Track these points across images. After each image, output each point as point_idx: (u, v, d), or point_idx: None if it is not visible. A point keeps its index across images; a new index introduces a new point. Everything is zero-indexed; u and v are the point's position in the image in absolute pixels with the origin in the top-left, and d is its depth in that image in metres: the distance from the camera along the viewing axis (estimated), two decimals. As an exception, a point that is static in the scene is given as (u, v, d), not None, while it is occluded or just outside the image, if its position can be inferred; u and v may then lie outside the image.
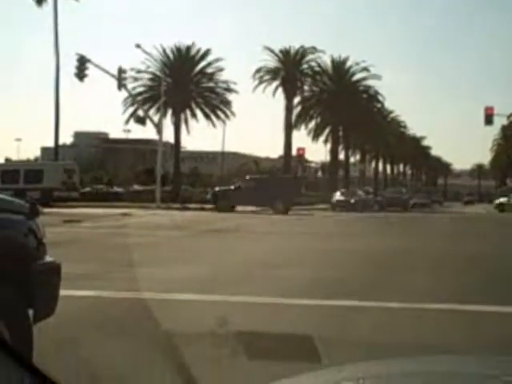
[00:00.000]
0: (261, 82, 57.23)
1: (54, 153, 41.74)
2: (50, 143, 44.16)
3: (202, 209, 33.52)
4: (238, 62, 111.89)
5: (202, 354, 4.27)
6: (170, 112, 49.47)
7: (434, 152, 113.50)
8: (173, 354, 4.14)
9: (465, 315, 6.06)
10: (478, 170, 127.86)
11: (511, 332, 5.36)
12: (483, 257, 11.37)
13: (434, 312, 6.16)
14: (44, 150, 70.23)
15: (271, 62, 57.49)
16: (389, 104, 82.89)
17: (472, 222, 26.80)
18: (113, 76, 37.41)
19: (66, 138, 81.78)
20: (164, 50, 51.72)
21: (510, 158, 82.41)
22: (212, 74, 53.47)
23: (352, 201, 39.96)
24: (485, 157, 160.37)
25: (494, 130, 77.98)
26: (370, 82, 60.35)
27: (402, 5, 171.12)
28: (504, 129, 55.94)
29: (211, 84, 53.75)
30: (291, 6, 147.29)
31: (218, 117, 52.80)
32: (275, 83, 56.83)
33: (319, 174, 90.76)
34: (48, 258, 4.26)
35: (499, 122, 65.69)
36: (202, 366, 3.95)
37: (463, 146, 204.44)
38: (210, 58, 52.65)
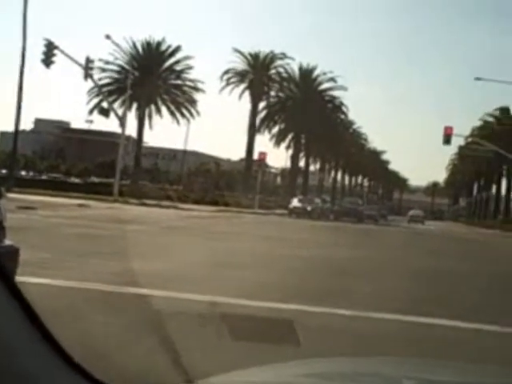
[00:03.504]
0: (228, 84, 57.53)
1: (13, 138, 41.14)
2: (10, 128, 43.53)
3: (160, 205, 33.53)
4: (206, 62, 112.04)
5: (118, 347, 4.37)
6: (134, 106, 49.38)
7: (393, 167, 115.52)
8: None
9: (409, 325, 6.19)
10: (433, 188, 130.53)
11: (452, 341, 5.57)
12: (433, 270, 11.70)
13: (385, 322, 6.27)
14: (2, 134, 69.01)
15: (240, 65, 57.84)
16: (354, 116, 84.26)
17: (421, 238, 27.49)
18: (80, 65, 37.18)
19: (27, 125, 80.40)
20: (134, 44, 51.63)
21: (465, 178, 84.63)
22: (180, 72, 53.50)
23: (309, 208, 40.40)
24: (441, 175, 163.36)
25: (452, 150, 79.73)
26: (335, 93, 61.21)
27: (376, 18, 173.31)
28: (460, 149, 57.21)
29: (179, 81, 53.76)
30: (266, 11, 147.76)
31: (182, 115, 52.85)
32: (242, 86, 57.21)
33: (279, 179, 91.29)
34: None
35: (457, 142, 67.34)
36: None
37: (421, 163, 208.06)
38: (179, 55, 52.74)
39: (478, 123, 69.92)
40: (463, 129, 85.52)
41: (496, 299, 8.63)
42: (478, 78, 48.79)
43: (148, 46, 52.44)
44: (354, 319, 6.21)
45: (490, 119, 68.39)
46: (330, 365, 2.09)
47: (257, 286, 8.03)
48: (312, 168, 70.53)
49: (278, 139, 59.52)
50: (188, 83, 53.43)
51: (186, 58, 52.75)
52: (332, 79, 59.73)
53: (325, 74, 59.87)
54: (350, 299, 7.48)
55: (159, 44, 52.50)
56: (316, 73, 60.27)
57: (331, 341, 5.22)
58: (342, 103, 62.02)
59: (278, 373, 1.76)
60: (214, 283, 7.96)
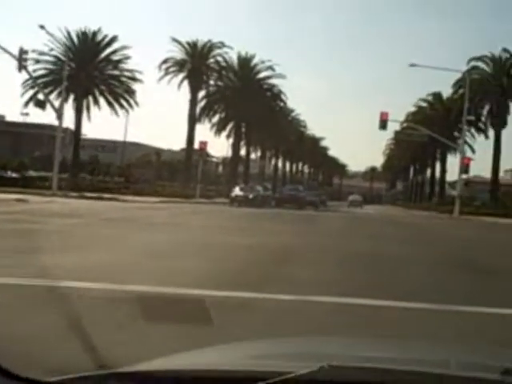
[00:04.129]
0: (166, 74, 57.20)
1: None
2: None
3: (100, 198, 33.29)
4: (144, 51, 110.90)
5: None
6: (71, 98, 48.60)
7: (332, 153, 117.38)
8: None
9: (346, 307, 6.36)
10: (371, 173, 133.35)
11: (383, 321, 5.82)
12: (370, 254, 11.98)
13: (318, 304, 6.42)
14: None
15: (178, 54, 57.57)
16: (293, 105, 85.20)
17: (359, 222, 28.21)
18: (13, 56, 36.35)
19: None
20: (69, 34, 50.69)
21: (401, 163, 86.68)
22: (117, 62, 52.85)
23: (250, 196, 40.78)
24: (379, 160, 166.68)
25: (389, 135, 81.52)
26: (274, 81, 61.68)
27: (321, 10, 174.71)
28: (396, 134, 58.63)
29: (116, 72, 53.12)
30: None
31: (121, 105, 52.29)
32: (181, 75, 56.99)
33: (220, 168, 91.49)
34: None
35: (393, 127, 68.94)
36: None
37: (359, 149, 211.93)
38: (116, 45, 52.08)
39: (413, 109, 71.89)
40: (399, 114, 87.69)
41: (430, 280, 9.02)
42: (412, 65, 50.02)
43: (84, 36, 51.59)
44: (291, 303, 6.38)
45: (424, 104, 70.29)
46: (264, 345, 2.14)
47: (190, 274, 8.03)
48: (253, 156, 71.10)
49: (219, 128, 59.67)
50: (126, 73, 52.89)
51: (123, 47, 52.19)
52: (270, 67, 60.21)
53: (263, 62, 60.30)
54: (289, 285, 7.60)
55: (95, 34, 51.72)
56: (254, 61, 60.61)
57: (258, 322, 5.39)
58: (280, 91, 62.59)
59: (209, 356, 1.77)
60: (145, 273, 7.95)
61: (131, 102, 52.62)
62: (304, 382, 1.35)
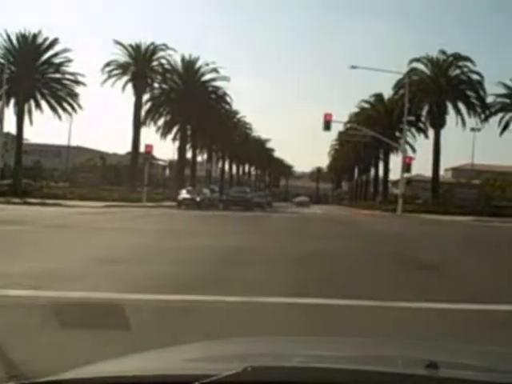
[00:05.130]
0: (110, 77, 56.63)
1: None
2: None
3: (44, 204, 32.82)
4: (88, 54, 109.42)
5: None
6: (12, 102, 47.67)
7: (278, 154, 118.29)
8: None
9: (299, 307, 6.45)
10: (317, 173, 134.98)
11: (329, 319, 5.99)
12: (317, 254, 12.17)
13: (272, 305, 6.50)
14: None
15: (122, 57, 57.11)
16: (239, 107, 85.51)
17: (306, 222, 28.68)
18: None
19: None
20: (8, 36, 49.69)
21: (346, 163, 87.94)
22: (59, 65, 52.06)
23: (197, 199, 40.83)
24: (324, 161, 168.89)
25: (333, 136, 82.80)
26: (219, 83, 61.83)
27: (264, 11, 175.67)
28: (340, 135, 59.65)
29: (58, 75, 52.32)
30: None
31: (64, 109, 51.55)
32: (125, 78, 56.55)
33: (167, 171, 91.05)
34: None
35: (338, 128, 70.09)
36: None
37: (305, 150, 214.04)
38: (57, 48, 51.32)
39: (356, 110, 73.19)
40: (343, 115, 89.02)
41: (373, 277, 9.31)
42: (353, 67, 51.03)
43: (23, 38, 50.59)
44: (237, 304, 6.43)
45: (367, 105, 71.65)
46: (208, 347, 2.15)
47: (134, 279, 7.98)
48: (200, 159, 71.06)
49: (164, 131, 59.42)
50: (68, 76, 52.18)
51: (65, 50, 51.46)
52: (215, 70, 60.33)
53: (207, 64, 60.35)
54: (235, 286, 7.64)
55: (35, 37, 50.80)
56: (199, 64, 60.64)
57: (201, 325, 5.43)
58: (225, 93, 62.76)
59: (136, 362, 1.75)
60: (86, 279, 7.88)
61: (74, 105, 51.97)
62: (227, 383, 1.36)
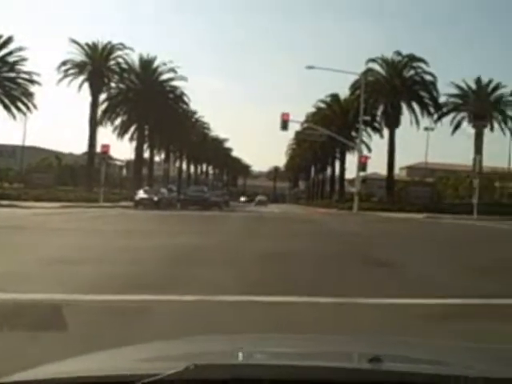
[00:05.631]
0: (66, 76, 56.03)
1: None
2: None
3: (-1, 204, 32.35)
4: (43, 53, 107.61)
5: None
6: (-36, 101, 46.85)
7: (236, 154, 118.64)
8: None
9: (256, 306, 6.45)
10: (274, 173, 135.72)
11: (285, 317, 6.03)
12: (274, 252, 12.21)
13: (229, 304, 6.51)
14: None
15: (78, 56, 56.55)
16: (198, 106, 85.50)
17: (264, 221, 28.97)
18: None
19: None
20: (-40, 35, 48.74)
21: (303, 162, 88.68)
22: (14, 64, 51.29)
23: (155, 199, 40.77)
24: (281, 160, 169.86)
25: (291, 135, 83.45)
26: (176, 83, 61.74)
27: (221, 11, 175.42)
28: (297, 134, 60.24)
29: (12, 74, 51.53)
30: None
31: (18, 109, 50.81)
32: (81, 77, 56.02)
33: (125, 172, 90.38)
34: None
35: (295, 127, 70.69)
36: None
37: (263, 150, 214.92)
38: (12, 46, 50.57)
39: (313, 109, 73.95)
40: (300, 115, 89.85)
41: (328, 274, 9.50)
42: (309, 67, 51.59)
43: (-25, 37, 49.79)
44: (193, 303, 6.45)
45: (323, 105, 72.46)
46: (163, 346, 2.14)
47: (88, 279, 7.93)
48: (157, 159, 70.82)
49: (121, 131, 59.08)
50: (23, 75, 51.45)
51: (20, 49, 50.75)
52: (172, 69, 60.24)
53: (165, 64, 60.22)
54: (192, 286, 7.62)
55: (-13, 35, 49.99)
56: (156, 63, 60.43)
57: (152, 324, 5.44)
58: (183, 93, 62.71)
59: (81, 363, 1.72)
60: (40, 280, 7.80)
61: (29, 105, 51.31)
62: (170, 382, 1.35)
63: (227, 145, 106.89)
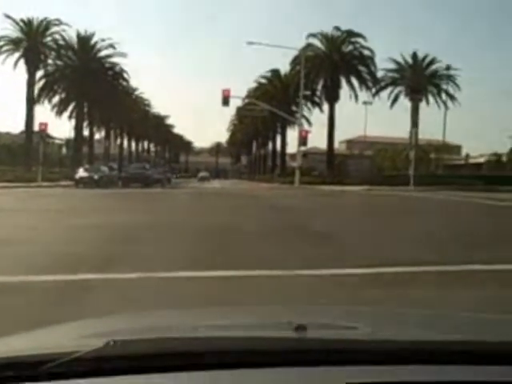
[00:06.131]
0: (0, 53, 54.49)
1: None
2: None
3: None
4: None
5: None
6: None
7: (177, 130, 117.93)
8: None
9: (197, 281, 6.57)
10: (216, 148, 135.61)
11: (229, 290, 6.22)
12: (217, 228, 12.29)
13: (171, 280, 6.58)
14: None
15: (13, 32, 54.99)
16: (138, 83, 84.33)
17: (206, 197, 29.21)
18: None
19: None
20: None
21: (245, 138, 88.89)
22: None
23: (96, 177, 40.38)
24: (223, 136, 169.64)
25: (232, 111, 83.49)
26: (116, 60, 60.84)
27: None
28: (238, 110, 60.42)
29: None
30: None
31: (-49, 87, 49.25)
32: (17, 54, 54.56)
33: (64, 150, 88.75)
34: None
35: (237, 103, 70.80)
36: None
37: (204, 126, 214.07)
38: None
39: (254, 85, 74.15)
40: (242, 91, 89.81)
41: (273, 249, 9.60)
42: (250, 43, 51.80)
43: None
44: (135, 280, 6.47)
45: (264, 81, 72.73)
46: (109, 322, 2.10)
47: (28, 260, 7.86)
48: (97, 136, 69.83)
49: (60, 109, 58.00)
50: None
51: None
52: (111, 46, 59.25)
53: (103, 40, 59.19)
54: (133, 263, 7.62)
55: None
56: (94, 40, 59.33)
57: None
58: (122, 70, 61.89)
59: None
60: None
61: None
62: (90, 360, 1.30)
63: (169, 122, 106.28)
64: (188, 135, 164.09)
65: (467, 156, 68.92)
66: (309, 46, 58.45)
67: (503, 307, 5.19)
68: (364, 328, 1.74)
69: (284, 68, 65.89)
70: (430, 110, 77.66)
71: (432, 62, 61.18)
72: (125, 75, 62.48)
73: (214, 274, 6.87)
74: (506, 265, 7.63)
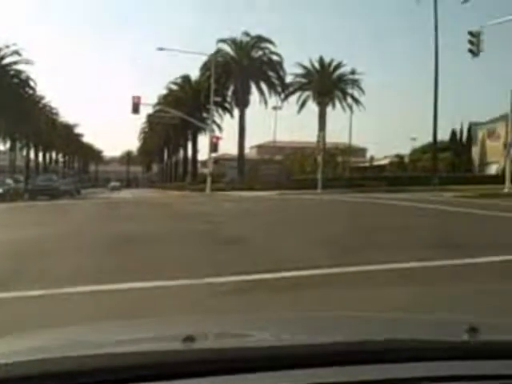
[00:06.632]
0: None
1: None
2: None
3: None
4: None
5: None
6: None
7: (87, 139, 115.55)
8: None
9: (105, 294, 6.57)
10: (127, 157, 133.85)
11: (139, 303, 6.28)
12: (127, 238, 12.18)
13: (76, 295, 6.53)
14: None
15: None
16: (44, 91, 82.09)
17: (116, 207, 28.87)
18: None
19: None
20: None
21: (156, 145, 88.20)
22: None
23: (0, 190, 39.14)
24: (134, 144, 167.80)
25: (143, 119, 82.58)
26: (21, 67, 59.11)
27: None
28: (149, 117, 60.03)
29: None
30: None
31: None
32: None
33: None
34: None
35: (148, 110, 70.18)
36: None
37: (115, 135, 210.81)
38: None
39: (165, 91, 73.77)
40: (152, 97, 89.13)
41: (182, 257, 9.72)
42: (160, 49, 51.59)
43: None
44: (36, 298, 6.39)
45: (175, 87, 72.56)
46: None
47: None
48: (2, 148, 67.50)
49: (-40, 120, 55.78)
50: None
51: None
52: (16, 52, 57.51)
53: (8, 47, 57.36)
54: (36, 280, 7.50)
55: None
56: (-2, 46, 57.42)
57: None
58: (29, 77, 60.21)
59: None
60: None
61: None
62: None
63: (78, 130, 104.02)
64: (98, 144, 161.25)
65: (372, 158, 71.28)
66: (219, 51, 58.87)
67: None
68: (252, 335, 1.79)
69: (195, 74, 66.03)
70: (338, 114, 79.81)
71: (338, 66, 62.99)
72: (31, 83, 60.84)
73: (124, 286, 6.83)
74: (400, 263, 8.13)
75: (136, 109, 47.56)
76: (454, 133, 62.87)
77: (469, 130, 62.93)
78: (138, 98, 47.29)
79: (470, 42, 31.54)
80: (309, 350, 1.44)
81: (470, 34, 31.57)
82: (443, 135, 60.95)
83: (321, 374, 1.32)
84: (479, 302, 5.64)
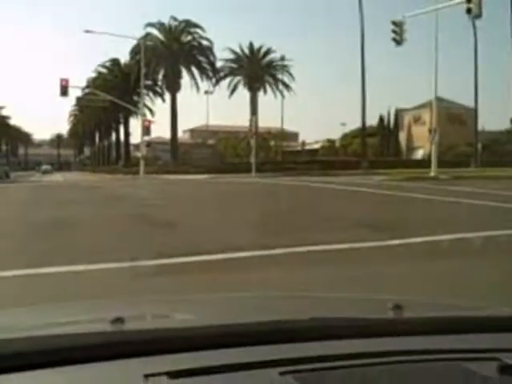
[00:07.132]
0: None
1: None
2: None
3: None
4: None
5: None
6: None
7: (14, 122, 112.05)
8: None
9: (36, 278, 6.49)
10: (58, 140, 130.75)
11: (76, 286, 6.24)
12: (60, 221, 12.10)
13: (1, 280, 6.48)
14: None
15: None
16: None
17: (47, 190, 28.32)
18: None
19: None
20: None
21: (87, 128, 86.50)
22: None
23: None
24: (65, 127, 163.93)
25: (73, 101, 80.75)
26: None
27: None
28: (78, 100, 58.81)
29: None
30: None
31: None
32: None
33: None
34: None
35: (77, 93, 68.70)
36: None
37: (44, 117, 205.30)
38: None
39: (94, 74, 72.31)
40: (82, 80, 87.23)
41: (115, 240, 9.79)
42: (87, 31, 50.46)
43: None
44: None
45: (104, 70, 71.21)
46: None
47: None
48: None
49: None
50: None
51: None
52: None
53: None
54: None
55: None
56: None
57: None
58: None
59: None
60: None
61: None
62: None
63: (4, 113, 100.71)
64: (27, 127, 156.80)
65: (303, 143, 72.30)
66: (148, 35, 58.16)
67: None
68: (181, 316, 1.83)
69: (125, 58, 65.02)
70: (270, 100, 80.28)
71: (268, 52, 63.35)
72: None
73: (57, 269, 6.80)
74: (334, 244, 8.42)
75: (64, 92, 46.60)
76: (381, 119, 64.50)
77: (396, 116, 64.71)
78: (66, 80, 46.35)
79: (394, 32, 32.21)
80: (230, 329, 1.47)
81: (394, 23, 32.23)
82: (372, 121, 62.44)
83: (240, 353, 1.35)
84: (408, 282, 5.93)
